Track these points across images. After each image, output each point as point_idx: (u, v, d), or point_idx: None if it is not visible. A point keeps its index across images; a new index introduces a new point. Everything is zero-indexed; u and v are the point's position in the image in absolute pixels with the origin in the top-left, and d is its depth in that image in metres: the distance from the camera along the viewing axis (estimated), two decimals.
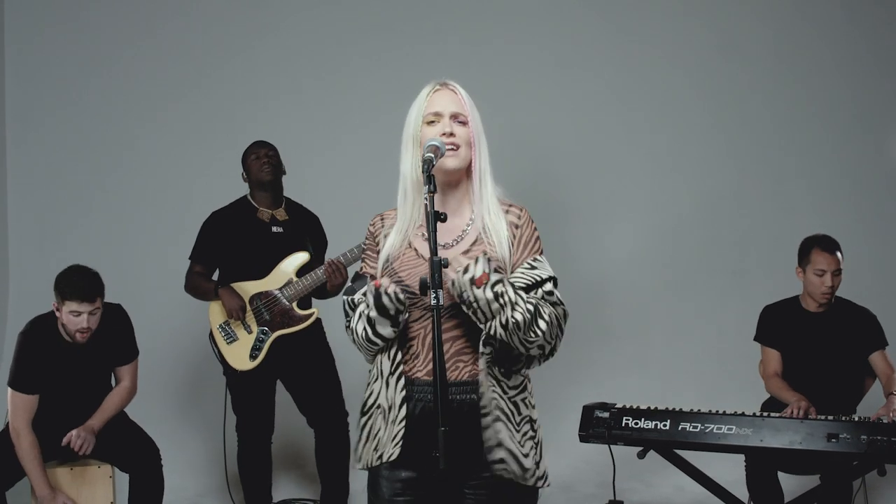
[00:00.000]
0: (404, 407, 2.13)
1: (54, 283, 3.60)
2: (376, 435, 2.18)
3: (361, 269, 2.29)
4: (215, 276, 4.23)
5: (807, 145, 5.48)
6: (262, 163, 4.15)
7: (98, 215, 5.39)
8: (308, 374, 4.19)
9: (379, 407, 2.18)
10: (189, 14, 5.47)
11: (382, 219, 2.27)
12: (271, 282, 4.10)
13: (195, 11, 5.47)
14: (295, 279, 4.09)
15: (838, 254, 3.88)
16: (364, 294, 2.17)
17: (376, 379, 2.19)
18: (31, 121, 5.45)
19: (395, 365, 2.15)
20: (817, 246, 3.90)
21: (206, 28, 5.48)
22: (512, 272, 2.20)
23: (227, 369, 4.13)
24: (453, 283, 2.06)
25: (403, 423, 2.12)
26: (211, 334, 4.13)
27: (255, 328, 4.08)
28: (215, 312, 4.10)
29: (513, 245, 2.20)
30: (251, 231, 4.14)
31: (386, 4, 5.50)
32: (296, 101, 5.41)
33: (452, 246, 2.20)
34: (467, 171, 2.21)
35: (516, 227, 2.22)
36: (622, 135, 5.51)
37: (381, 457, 2.15)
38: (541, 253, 2.24)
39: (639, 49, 5.52)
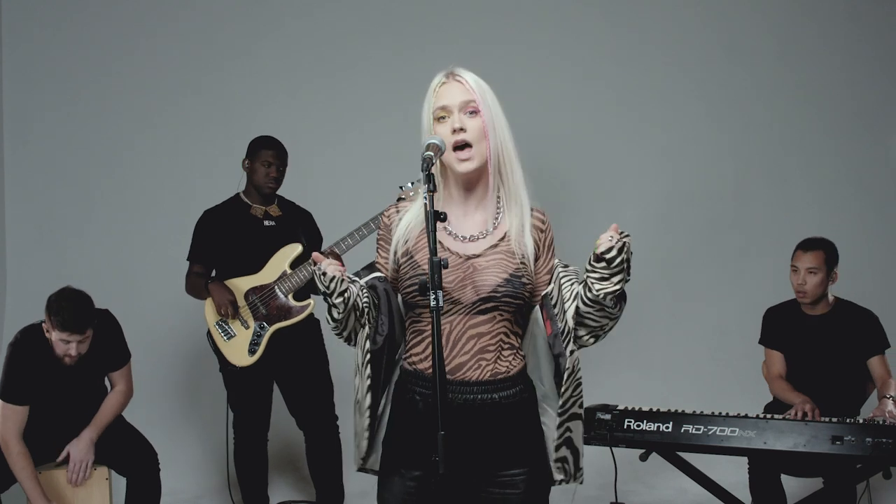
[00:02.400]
0: (369, 395, 2.12)
1: (46, 305, 3.54)
2: (356, 432, 2.18)
3: (375, 259, 2.25)
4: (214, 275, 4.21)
5: (808, 145, 5.48)
6: (272, 177, 4.13)
7: (96, 216, 5.36)
8: (300, 375, 4.17)
9: (357, 402, 2.16)
10: (188, 15, 5.44)
11: (398, 210, 2.22)
12: (265, 275, 4.08)
13: (194, 12, 5.45)
14: (289, 271, 4.07)
15: (816, 252, 3.90)
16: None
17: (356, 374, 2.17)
18: (28, 122, 5.42)
19: (364, 353, 2.12)
20: (798, 246, 3.97)
21: (204, 29, 5.45)
22: (538, 274, 2.18)
23: (225, 366, 4.11)
24: (624, 247, 2.02)
25: (368, 413, 2.12)
26: (209, 333, 4.11)
27: (251, 323, 4.05)
28: (211, 311, 4.08)
29: (539, 248, 2.19)
30: (243, 226, 4.13)
31: (386, 4, 5.48)
32: (295, 100, 5.39)
33: (475, 240, 2.15)
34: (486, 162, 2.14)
35: (541, 231, 2.20)
36: (623, 134, 5.50)
37: (359, 450, 2.17)
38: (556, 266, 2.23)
39: (640, 48, 5.51)
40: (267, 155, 4.13)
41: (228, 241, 4.13)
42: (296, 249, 4.10)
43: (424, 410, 2.10)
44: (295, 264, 4.08)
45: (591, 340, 2.16)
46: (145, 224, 5.32)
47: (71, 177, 5.38)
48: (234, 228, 4.13)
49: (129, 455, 3.78)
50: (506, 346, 2.13)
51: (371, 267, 2.23)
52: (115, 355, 3.80)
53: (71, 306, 3.49)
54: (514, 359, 2.15)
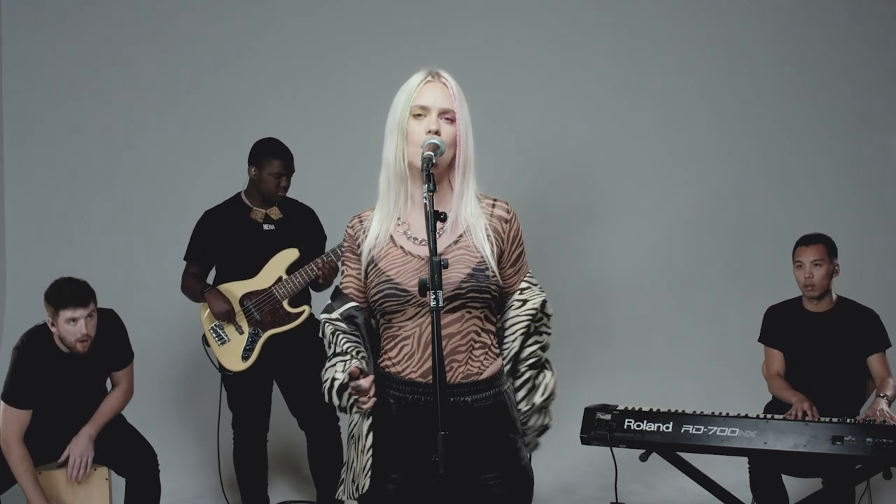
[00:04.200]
0: (370, 437, 2.12)
1: (45, 299, 3.53)
2: (352, 466, 2.19)
3: (341, 283, 2.24)
4: (212, 275, 4.21)
5: (809, 145, 5.47)
6: (282, 187, 4.08)
7: (96, 216, 5.37)
8: (300, 376, 4.15)
9: (353, 436, 2.18)
10: (187, 13, 5.45)
11: (361, 221, 2.23)
12: (261, 280, 4.07)
13: (193, 11, 5.45)
14: (285, 277, 4.06)
15: (818, 245, 3.94)
16: (341, 343, 2.15)
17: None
18: (28, 122, 5.43)
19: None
20: (799, 242, 4.02)
21: (204, 28, 5.46)
22: (502, 273, 2.17)
23: (223, 371, 4.11)
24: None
25: (371, 453, 2.11)
26: (203, 337, 4.11)
27: (246, 329, 4.05)
28: (206, 315, 4.08)
29: (502, 239, 2.19)
30: (242, 229, 4.11)
31: (385, 3, 5.48)
32: (294, 99, 5.40)
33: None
34: (450, 166, 2.16)
35: (505, 221, 2.20)
36: (624, 135, 5.49)
37: (357, 487, 2.16)
38: (527, 264, 2.28)
39: (641, 49, 5.50)
40: (276, 166, 4.06)
41: (226, 244, 4.11)
42: (292, 255, 4.07)
43: (398, 413, 2.12)
44: (291, 270, 4.06)
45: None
46: (145, 224, 5.33)
47: (70, 176, 5.39)
48: (233, 231, 4.11)
49: (129, 456, 3.79)
50: (477, 346, 2.13)
51: (340, 294, 2.22)
52: (118, 354, 3.80)
53: (69, 284, 3.54)
54: (485, 359, 2.14)
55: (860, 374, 3.95)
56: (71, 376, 3.64)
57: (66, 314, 3.49)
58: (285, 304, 4.06)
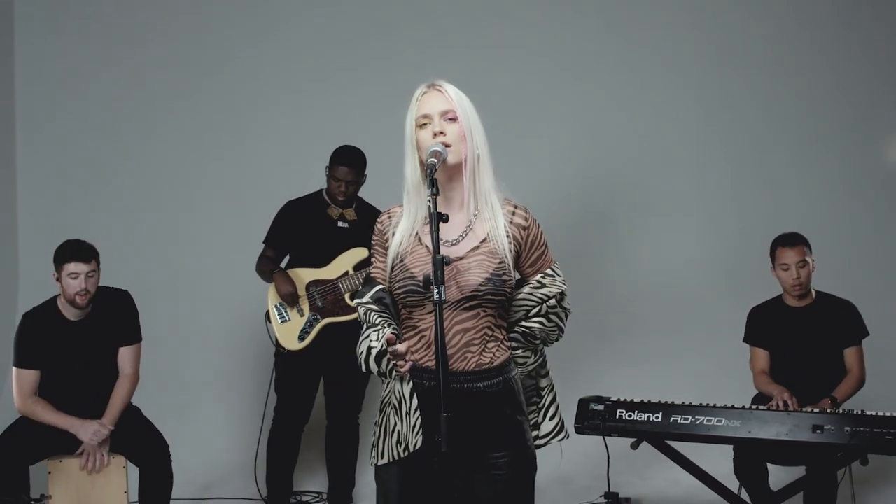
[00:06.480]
0: (415, 398, 2.26)
1: (53, 256, 3.80)
2: (394, 429, 2.30)
3: (370, 271, 2.41)
4: (287, 260, 4.46)
5: (803, 148, 5.51)
6: (341, 191, 4.34)
7: (106, 214, 5.45)
8: (341, 368, 4.35)
9: (390, 403, 2.32)
10: (197, 14, 5.54)
11: (390, 217, 2.39)
12: (329, 271, 4.34)
13: (203, 11, 5.55)
14: (352, 272, 4.32)
15: (801, 247, 4.04)
16: (376, 323, 2.30)
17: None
18: (40, 120, 5.53)
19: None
20: (780, 244, 4.09)
21: (213, 28, 5.55)
22: (521, 272, 2.36)
23: (278, 348, 4.33)
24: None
25: (418, 412, 2.25)
26: (266, 313, 4.36)
27: (307, 312, 4.30)
28: (272, 293, 4.33)
29: (519, 244, 2.35)
30: (319, 223, 4.37)
31: (389, 7, 5.57)
32: (299, 102, 5.47)
33: (457, 243, 2.32)
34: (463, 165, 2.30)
35: (523, 228, 2.35)
36: (620, 141, 5.55)
37: (406, 447, 2.27)
38: (552, 258, 2.41)
39: (635, 53, 5.55)
40: (340, 171, 4.33)
41: (302, 234, 4.38)
42: (362, 253, 4.32)
43: (418, 398, 2.27)
44: (358, 267, 4.31)
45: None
46: (154, 221, 5.44)
47: (82, 174, 5.49)
48: (310, 223, 4.37)
49: (142, 447, 3.94)
50: (490, 339, 2.30)
51: (370, 281, 2.39)
52: (127, 330, 3.99)
53: (74, 241, 3.82)
54: (497, 350, 2.31)
55: (841, 365, 4.07)
56: (77, 344, 3.85)
57: (69, 268, 3.74)
58: (347, 297, 4.30)
